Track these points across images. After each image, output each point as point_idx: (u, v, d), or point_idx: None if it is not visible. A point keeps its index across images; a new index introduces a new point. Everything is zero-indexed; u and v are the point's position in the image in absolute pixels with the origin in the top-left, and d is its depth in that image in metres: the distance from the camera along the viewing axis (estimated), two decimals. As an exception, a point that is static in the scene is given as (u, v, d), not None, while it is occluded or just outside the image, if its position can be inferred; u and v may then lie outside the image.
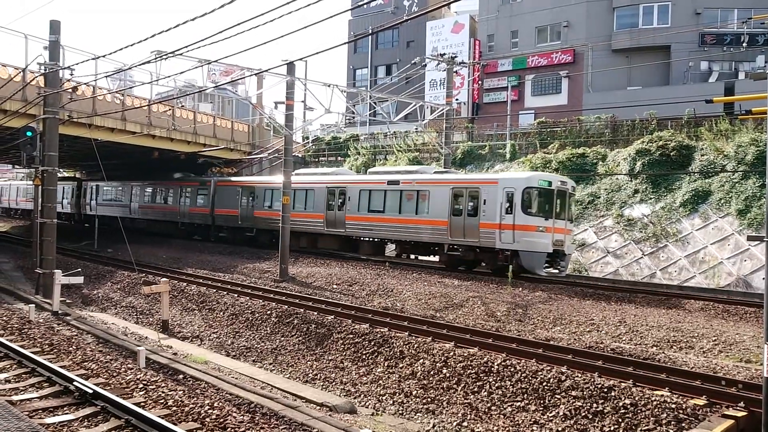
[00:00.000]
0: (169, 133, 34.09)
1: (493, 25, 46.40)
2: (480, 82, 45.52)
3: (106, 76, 25.09)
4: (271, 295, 19.96)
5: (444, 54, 34.20)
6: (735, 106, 26.46)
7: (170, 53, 16.44)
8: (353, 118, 44.03)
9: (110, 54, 15.47)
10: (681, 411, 9.71)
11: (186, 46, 13.18)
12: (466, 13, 49.43)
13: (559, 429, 10.18)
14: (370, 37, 53.07)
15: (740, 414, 9.45)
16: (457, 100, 41.79)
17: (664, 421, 9.58)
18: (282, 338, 16.40)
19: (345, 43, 21.39)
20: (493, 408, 11.24)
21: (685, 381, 10.88)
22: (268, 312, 18.01)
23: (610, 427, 9.90)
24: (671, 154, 26.27)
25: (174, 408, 9.24)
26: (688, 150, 26.32)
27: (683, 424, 9.43)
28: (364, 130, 47.17)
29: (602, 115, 33.38)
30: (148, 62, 17.76)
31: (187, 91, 38.69)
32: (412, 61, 33.44)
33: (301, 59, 18.89)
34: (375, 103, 33.63)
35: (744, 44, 35.65)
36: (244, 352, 15.89)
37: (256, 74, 30.29)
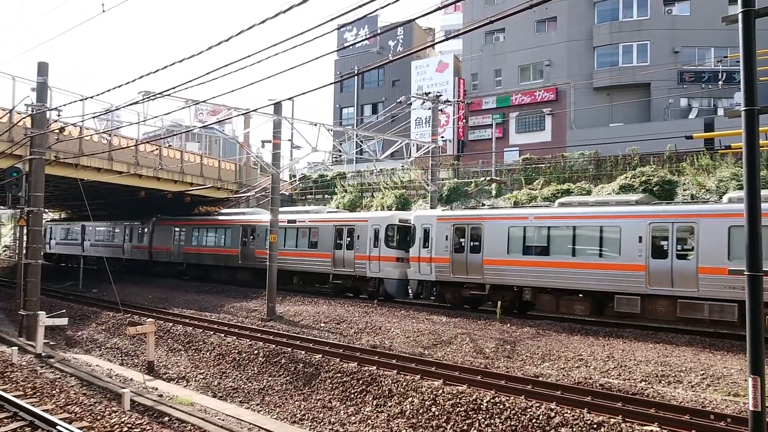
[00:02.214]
0: (156, 172, 34.11)
1: (477, 64, 47.20)
2: (465, 119, 46.06)
3: (93, 117, 25.20)
4: (259, 335, 19.81)
5: (429, 93, 34.68)
6: (715, 142, 27.00)
7: (158, 94, 16.60)
8: (340, 156, 44.37)
9: (98, 95, 15.60)
10: (670, 446, 9.70)
11: (174, 87, 13.34)
12: (450, 53, 50.26)
13: (549, 467, 10.12)
14: (356, 76, 53.73)
15: (729, 448, 9.46)
16: (442, 137, 42.22)
17: (653, 457, 9.55)
18: (269, 378, 16.24)
19: (331, 84, 21.67)
20: (482, 446, 11.15)
21: (674, 416, 10.88)
22: (256, 351, 17.85)
23: (600, 463, 9.85)
24: (654, 189, 26.62)
25: (159, 451, 9.11)
26: (670, 185, 26.71)
27: (673, 460, 9.41)
28: (350, 168, 47.43)
29: (585, 152, 33.85)
30: (136, 103, 17.88)
31: (175, 131, 38.81)
32: (398, 100, 33.91)
33: (288, 99, 19.14)
34: (361, 141, 33.90)
35: (721, 81, 36.50)
36: (230, 392, 15.70)
37: (243, 114, 30.54)
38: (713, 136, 25.91)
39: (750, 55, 6.04)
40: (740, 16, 5.95)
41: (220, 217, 37.19)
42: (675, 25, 39.57)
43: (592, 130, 38.17)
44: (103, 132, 31.20)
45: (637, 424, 10.56)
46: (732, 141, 21.83)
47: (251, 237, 33.16)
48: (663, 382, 13.77)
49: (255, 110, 20.20)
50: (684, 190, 25.92)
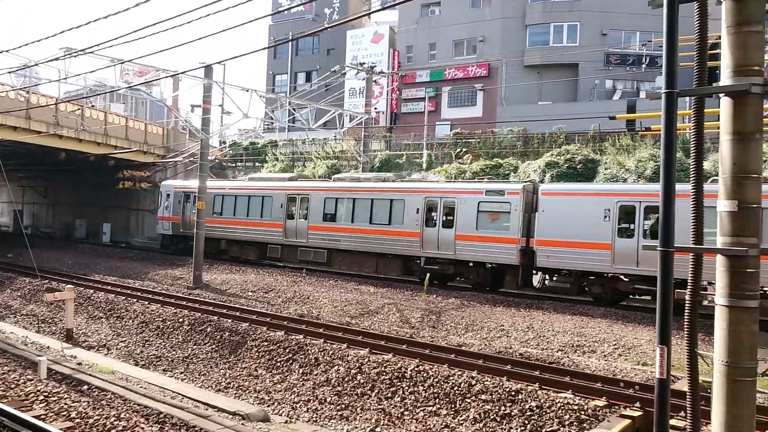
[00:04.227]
0: (78, 133, 32.70)
1: (412, 37, 47.14)
2: (398, 92, 46.11)
3: (9, 72, 23.83)
4: (184, 303, 19.51)
5: (363, 63, 34.50)
6: (636, 123, 28.10)
7: (81, 51, 15.85)
8: (272, 123, 43.72)
9: (15, 49, 14.78)
10: (583, 412, 10.20)
11: (98, 44, 12.77)
12: (386, 24, 49.97)
13: (469, 432, 10.48)
14: (290, 43, 52.75)
15: (636, 414, 10.02)
16: (375, 109, 42.16)
17: (567, 422, 10.04)
18: (194, 346, 16.05)
19: (264, 49, 21.25)
20: (405, 413, 11.42)
21: (587, 383, 11.43)
22: (180, 320, 17.57)
23: (517, 429, 10.27)
24: (578, 167, 27.49)
25: (77, 420, 8.91)
26: (593, 163, 27.63)
27: (584, 425, 9.91)
28: (282, 136, 46.81)
29: (515, 128, 34.53)
30: (57, 59, 17.02)
31: (98, 91, 37.20)
32: (332, 69, 33.58)
33: (219, 62, 18.70)
34: (294, 109, 33.48)
35: (644, 65, 37.86)
36: (154, 361, 15.44)
37: (172, 76, 29.57)
38: (635, 117, 26.97)
39: (672, 39, 6.25)
40: (665, 1, 6.15)
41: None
42: (604, 8, 40.56)
43: (522, 108, 38.93)
44: (20, 89, 29.62)
45: (553, 391, 11.04)
46: (652, 123, 22.65)
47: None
48: (578, 351, 14.42)
49: (184, 72, 19.61)
50: (605, 169, 26.87)
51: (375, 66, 34.85)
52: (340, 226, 25.09)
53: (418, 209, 22.63)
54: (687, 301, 6.58)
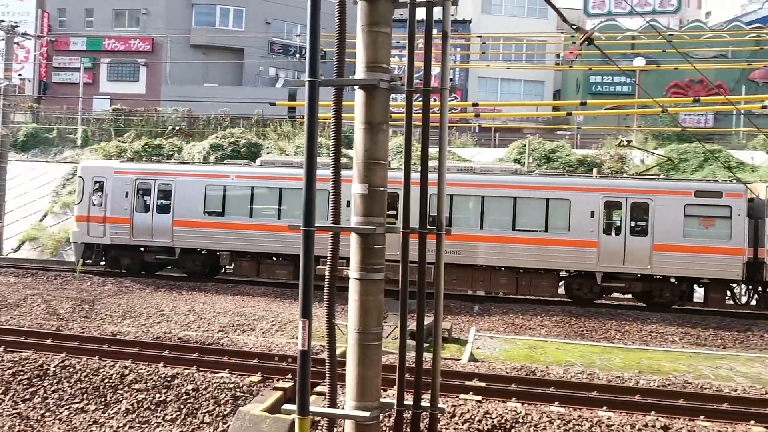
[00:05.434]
0: None
1: (64, -1, 42.66)
2: (49, 58, 41.36)
3: None
4: None
5: (3, 21, 30.11)
6: (297, 111, 29.63)
7: None
8: None
9: None
10: (238, 389, 10.43)
11: None
12: (32, -20, 44.28)
13: (120, 425, 9.95)
14: None
15: (288, 385, 10.57)
16: (20, 75, 37.24)
17: (222, 401, 10.17)
18: None
19: None
20: (47, 414, 10.36)
21: (244, 361, 11.70)
22: None
23: (172, 414, 10.07)
24: (242, 150, 28.01)
25: None
26: (256, 147, 28.43)
27: (239, 401, 10.15)
28: None
29: (179, 108, 33.70)
30: None
31: None
32: (-41, 23, 28.64)
33: None
34: None
35: (299, 56, 40.17)
36: None
37: None
38: (294, 105, 28.40)
39: (315, 32, 6.64)
40: (308, -2, 6.50)
41: None
42: (269, -2, 41.80)
43: (188, 88, 38.12)
44: None
45: (210, 372, 11.05)
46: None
47: None
48: (239, 330, 14.74)
49: None
50: (267, 153, 27.82)
51: (18, 25, 30.56)
52: (467, 233, 18.32)
53: (592, 212, 17.89)
54: (326, 276, 7.16)
